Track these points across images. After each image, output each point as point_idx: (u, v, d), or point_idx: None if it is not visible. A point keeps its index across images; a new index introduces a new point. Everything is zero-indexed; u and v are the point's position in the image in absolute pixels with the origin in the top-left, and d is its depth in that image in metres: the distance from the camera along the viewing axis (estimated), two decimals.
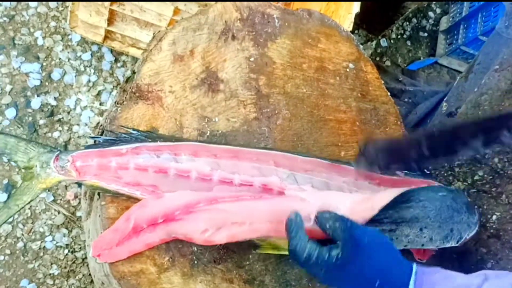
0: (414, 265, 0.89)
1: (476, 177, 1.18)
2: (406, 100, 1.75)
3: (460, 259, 1.19)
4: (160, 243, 0.96)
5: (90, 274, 1.75)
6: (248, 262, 1.03)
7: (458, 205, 1.05)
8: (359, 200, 0.99)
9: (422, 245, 1.04)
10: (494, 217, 1.14)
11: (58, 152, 0.99)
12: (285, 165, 1.04)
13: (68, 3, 1.93)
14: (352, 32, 1.23)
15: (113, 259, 0.95)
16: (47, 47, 1.93)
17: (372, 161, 1.04)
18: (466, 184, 1.18)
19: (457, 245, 1.05)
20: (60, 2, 1.98)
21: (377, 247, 0.90)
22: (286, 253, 0.92)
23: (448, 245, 1.05)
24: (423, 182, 1.10)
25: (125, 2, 1.75)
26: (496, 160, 1.17)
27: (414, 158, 1.04)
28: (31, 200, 1.02)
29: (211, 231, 0.94)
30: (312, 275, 0.95)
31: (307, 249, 0.89)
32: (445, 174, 1.22)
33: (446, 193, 1.05)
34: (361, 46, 1.22)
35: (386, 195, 0.99)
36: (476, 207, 1.10)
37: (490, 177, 1.15)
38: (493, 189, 1.15)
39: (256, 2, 1.14)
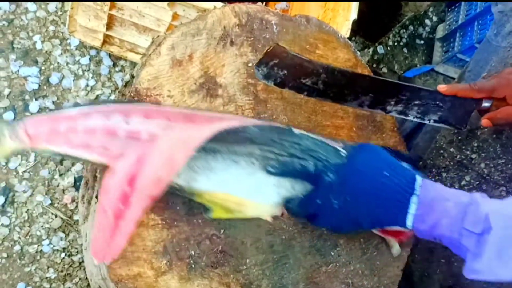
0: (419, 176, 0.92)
1: (463, 182, 1.19)
2: None
3: (450, 265, 1.20)
4: (145, 212, 0.95)
5: (87, 278, 1.75)
6: (245, 267, 1.04)
7: None
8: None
9: None
10: None
11: (14, 122, 1.00)
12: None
13: (67, 7, 1.94)
14: (349, 39, 1.24)
15: (116, 253, 0.94)
16: (46, 51, 1.94)
17: (269, 73, 1.06)
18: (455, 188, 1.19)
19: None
20: (59, 7, 1.98)
21: (381, 149, 0.96)
22: (239, 216, 0.96)
23: None
24: None
25: (124, 7, 1.76)
26: (482, 165, 1.18)
27: (307, 85, 1.07)
28: None
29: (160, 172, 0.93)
30: (323, 193, 0.94)
31: (312, 159, 0.95)
32: (433, 180, 1.23)
33: None
34: (359, 53, 1.23)
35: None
36: None
37: (477, 183, 1.16)
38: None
39: (254, 8, 1.15)
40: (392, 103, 1.08)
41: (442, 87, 1.07)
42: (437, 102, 1.08)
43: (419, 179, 0.91)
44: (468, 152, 1.21)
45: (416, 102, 1.08)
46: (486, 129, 1.17)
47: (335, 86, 1.07)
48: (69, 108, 0.99)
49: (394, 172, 0.91)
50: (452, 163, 1.24)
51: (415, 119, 1.10)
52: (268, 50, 1.04)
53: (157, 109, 1.01)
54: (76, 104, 1.00)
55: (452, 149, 1.22)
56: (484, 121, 1.05)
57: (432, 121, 1.11)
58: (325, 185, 0.93)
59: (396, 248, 1.10)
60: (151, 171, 0.92)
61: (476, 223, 0.84)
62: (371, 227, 0.98)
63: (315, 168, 0.93)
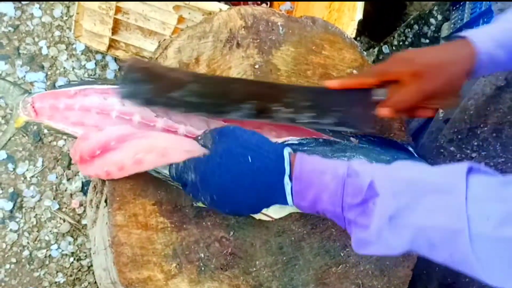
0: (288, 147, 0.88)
1: None
2: None
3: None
4: (98, 177, 0.98)
5: (95, 282, 1.75)
6: (255, 269, 1.04)
7: None
8: None
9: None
10: None
11: (27, 94, 1.05)
12: (234, 121, 1.03)
13: (72, 12, 1.94)
14: (355, 39, 1.24)
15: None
16: (52, 56, 1.95)
17: (134, 91, 0.98)
18: None
19: None
20: (64, 12, 1.99)
21: (243, 130, 0.89)
22: None
23: None
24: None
25: (129, 11, 1.76)
26: (482, 164, 1.18)
27: (178, 99, 0.98)
28: (10, 138, 1.21)
29: (142, 154, 0.92)
30: (193, 194, 0.89)
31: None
32: None
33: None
34: (365, 53, 1.22)
35: None
36: None
37: None
38: None
39: (260, 10, 1.15)
40: (278, 108, 0.99)
41: (329, 82, 1.01)
42: (330, 102, 1.01)
43: (286, 155, 0.85)
44: (468, 151, 1.21)
45: (306, 104, 1.00)
46: (486, 128, 1.17)
47: (210, 96, 0.99)
48: (70, 86, 1.02)
49: (258, 154, 0.85)
50: (452, 162, 1.24)
51: (308, 126, 1.03)
52: (127, 65, 0.98)
53: None
54: (80, 82, 1.02)
55: (452, 148, 1.22)
56: (381, 111, 0.99)
57: (328, 125, 1.03)
58: (189, 184, 0.89)
59: None
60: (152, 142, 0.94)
61: (356, 194, 0.80)
62: (254, 212, 0.95)
63: (175, 170, 0.90)
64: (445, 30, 2.43)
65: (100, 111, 1.00)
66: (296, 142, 1.01)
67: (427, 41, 2.44)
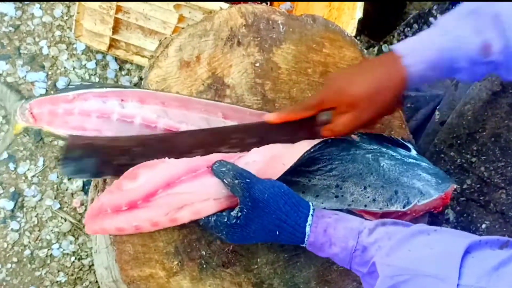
0: (311, 209, 0.93)
1: (464, 186, 1.19)
2: (408, 105, 1.76)
3: None
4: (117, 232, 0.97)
5: (97, 281, 1.75)
6: (256, 266, 1.04)
7: (411, 171, 1.07)
8: (271, 154, 0.99)
9: (365, 206, 1.05)
10: (483, 226, 1.15)
11: (24, 100, 1.04)
12: (234, 117, 1.05)
13: (72, 12, 1.95)
14: (355, 37, 1.24)
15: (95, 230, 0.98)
16: (52, 56, 1.95)
17: (80, 168, 0.98)
18: (455, 192, 1.19)
19: (404, 210, 1.05)
20: (64, 12, 1.99)
21: (275, 200, 0.92)
22: None
23: (393, 208, 1.06)
24: None
25: (130, 11, 1.76)
26: (482, 168, 1.18)
27: (124, 164, 0.99)
28: (10, 144, 1.20)
29: (173, 212, 0.94)
30: (216, 235, 0.97)
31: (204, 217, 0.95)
32: None
33: (400, 156, 1.07)
34: (365, 51, 1.23)
35: (298, 150, 0.98)
36: (451, 177, 1.09)
37: (478, 186, 1.17)
38: (481, 198, 1.16)
39: (261, 9, 1.15)
40: (227, 151, 1.02)
41: (269, 117, 1.03)
42: (275, 134, 1.03)
43: (307, 230, 0.92)
44: (468, 156, 1.22)
45: (253, 141, 1.03)
46: (484, 133, 1.17)
47: (157, 154, 0.99)
48: (68, 90, 1.01)
49: (285, 230, 0.93)
50: (453, 167, 1.24)
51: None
52: (66, 144, 0.97)
53: (152, 94, 1.02)
54: (78, 86, 1.02)
55: (452, 153, 1.22)
56: (324, 133, 1.02)
57: None
58: (213, 233, 0.98)
59: None
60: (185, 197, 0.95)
61: (363, 265, 0.89)
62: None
63: (204, 225, 0.97)
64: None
65: (100, 114, 1.00)
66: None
67: None
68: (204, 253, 1.01)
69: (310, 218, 0.92)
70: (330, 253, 0.92)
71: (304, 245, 0.94)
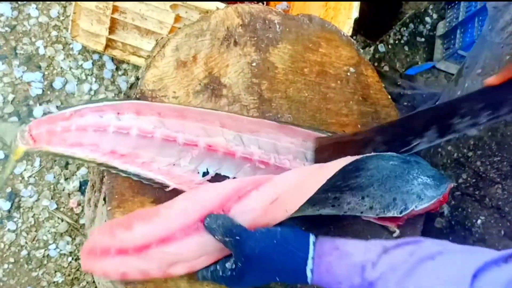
0: (311, 250, 0.91)
1: (460, 180, 1.19)
2: (405, 104, 1.77)
3: None
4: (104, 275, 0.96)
5: (94, 281, 1.75)
6: None
7: (409, 175, 1.06)
8: (270, 199, 0.96)
9: (361, 212, 1.05)
10: (479, 221, 1.15)
11: (24, 124, 1.04)
12: (231, 125, 1.04)
13: (69, 12, 1.95)
14: (351, 37, 1.25)
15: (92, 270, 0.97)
16: (49, 56, 1.95)
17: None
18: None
19: (401, 215, 1.06)
20: (61, 12, 1.99)
21: (268, 254, 0.91)
22: None
23: (389, 214, 1.06)
24: None
25: (126, 11, 1.77)
26: (478, 163, 1.19)
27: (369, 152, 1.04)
28: (11, 172, 1.23)
29: (166, 267, 0.93)
30: None
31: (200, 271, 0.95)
32: None
33: (398, 162, 1.05)
34: (362, 51, 1.23)
35: (301, 196, 0.95)
36: (449, 182, 1.09)
37: (474, 180, 1.17)
38: (477, 192, 1.16)
39: (257, 8, 1.15)
40: (457, 122, 1.02)
41: (490, 80, 1.00)
42: (499, 95, 1.02)
43: (309, 274, 0.90)
44: (465, 150, 1.22)
45: (479, 106, 1.01)
46: (481, 127, 1.17)
47: (394, 140, 1.06)
48: (65, 108, 1.02)
49: (285, 276, 0.91)
50: (449, 161, 1.24)
51: (490, 122, 1.04)
52: (316, 149, 1.06)
53: (148, 105, 1.02)
54: (78, 103, 1.02)
55: (449, 148, 1.23)
56: None
57: (506, 114, 1.03)
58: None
59: (396, 232, 1.10)
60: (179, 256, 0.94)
61: None
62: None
63: (202, 277, 0.97)
64: (440, 29, 2.44)
65: (97, 128, 1.00)
66: None
67: (423, 39, 2.45)
68: None
69: (310, 262, 0.90)
70: None
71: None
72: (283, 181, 0.97)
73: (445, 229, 1.19)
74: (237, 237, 0.90)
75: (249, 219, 0.93)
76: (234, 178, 1.03)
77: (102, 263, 0.93)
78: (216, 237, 0.92)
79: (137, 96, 1.05)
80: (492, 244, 1.12)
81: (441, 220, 1.20)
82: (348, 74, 1.20)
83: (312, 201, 1.00)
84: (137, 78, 1.11)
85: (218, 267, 0.93)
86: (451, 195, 1.19)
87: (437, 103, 1.40)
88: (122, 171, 0.99)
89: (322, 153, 1.06)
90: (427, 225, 1.21)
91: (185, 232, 0.93)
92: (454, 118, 1.01)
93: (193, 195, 0.96)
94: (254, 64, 1.13)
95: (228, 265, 0.92)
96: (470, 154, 1.21)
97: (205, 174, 1.02)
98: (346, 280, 0.88)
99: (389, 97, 1.23)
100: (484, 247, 1.07)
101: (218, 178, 1.03)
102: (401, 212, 1.05)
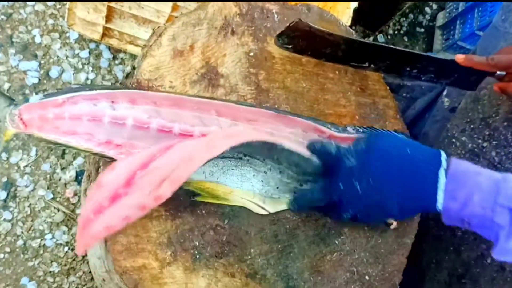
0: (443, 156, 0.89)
1: None
2: (404, 95, 1.75)
3: (459, 254, 1.20)
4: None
5: (90, 271, 1.75)
6: (249, 256, 1.04)
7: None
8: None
9: None
10: None
11: (13, 106, 1.01)
12: (227, 114, 1.03)
13: (65, 0, 1.93)
14: (350, 27, 1.23)
15: (85, 246, 0.93)
16: (45, 45, 1.93)
17: (290, 43, 1.10)
18: None
19: None
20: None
21: (397, 137, 0.96)
22: (225, 203, 1.00)
23: None
24: None
25: None
26: (493, 153, 1.18)
27: (326, 53, 1.11)
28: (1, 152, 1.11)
29: (155, 189, 0.90)
30: (347, 173, 0.94)
31: (333, 144, 0.96)
32: None
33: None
34: None
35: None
36: None
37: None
38: None
39: None
40: (408, 69, 1.12)
41: (459, 57, 1.07)
42: (451, 69, 1.11)
43: (443, 153, 0.88)
44: (479, 141, 1.21)
45: (431, 69, 1.11)
46: (497, 117, 1.16)
47: (354, 54, 1.12)
48: (58, 95, 1.00)
49: (416, 149, 0.89)
50: (463, 152, 1.23)
51: (427, 82, 1.16)
52: (291, 25, 1.05)
53: (143, 94, 1.00)
54: (68, 89, 1.00)
55: (464, 138, 1.21)
56: (495, 87, 1.09)
57: (444, 83, 1.16)
58: (346, 169, 0.92)
59: (394, 224, 1.09)
60: (162, 170, 0.91)
61: (511, 199, 0.80)
62: (399, 212, 0.94)
63: (336, 151, 0.94)
64: (440, 19, 2.43)
65: (92, 118, 0.98)
66: None
67: (422, 30, 2.44)
68: (197, 243, 1.01)
69: (444, 161, 0.88)
70: (473, 186, 0.83)
71: (440, 183, 0.86)
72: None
73: None
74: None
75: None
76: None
77: (101, 221, 0.91)
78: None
79: (133, 85, 1.04)
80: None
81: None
82: None
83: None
84: (133, 68, 1.11)
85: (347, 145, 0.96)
86: None
87: (444, 93, 1.40)
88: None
89: (293, 30, 1.07)
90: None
91: (165, 147, 0.93)
92: (408, 65, 1.12)
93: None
94: (251, 54, 1.12)
95: (359, 141, 0.95)
96: (485, 144, 1.20)
97: None
98: (485, 172, 0.85)
99: (387, 87, 1.22)
100: None
101: None
102: None
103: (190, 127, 1.01)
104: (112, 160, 0.98)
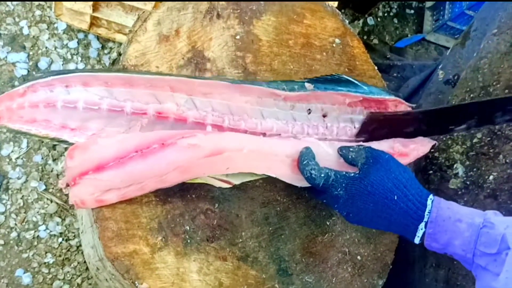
0: (432, 194, 0.92)
1: (474, 140, 1.18)
2: (395, 75, 1.76)
3: None
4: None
5: (85, 262, 1.75)
6: (241, 240, 1.04)
7: None
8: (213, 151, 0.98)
9: None
10: (491, 177, 1.14)
11: None
12: (182, 89, 1.01)
13: None
14: (339, 10, 1.23)
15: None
16: (33, 36, 1.92)
17: (371, 135, 1.11)
18: (465, 147, 1.19)
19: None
20: None
21: (396, 165, 0.94)
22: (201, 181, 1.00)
23: None
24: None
25: None
26: None
27: (410, 132, 1.11)
28: None
29: (100, 193, 0.95)
30: (332, 201, 0.97)
31: (323, 172, 0.95)
32: (444, 138, 1.23)
33: None
34: (347, 21, 1.21)
35: (251, 167, 1.01)
36: None
37: (488, 139, 1.15)
38: (491, 150, 1.15)
39: None
40: (498, 114, 1.05)
41: None
42: None
43: (429, 203, 0.90)
44: (441, 106, 1.21)
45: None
46: (498, 85, 1.16)
47: (438, 123, 1.10)
48: (20, 85, 1.00)
49: (404, 195, 0.91)
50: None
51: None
52: (365, 121, 1.11)
53: (94, 76, 0.99)
54: (32, 78, 1.00)
55: None
56: None
57: None
58: (332, 196, 0.96)
59: None
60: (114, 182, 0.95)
61: (491, 244, 0.84)
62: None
63: (324, 181, 0.96)
64: (429, 1, 2.42)
65: (47, 104, 0.98)
66: None
67: (412, 11, 2.43)
68: (188, 228, 1.01)
69: (431, 195, 0.91)
70: (453, 233, 0.88)
71: (419, 231, 0.90)
72: (233, 139, 0.99)
73: (460, 190, 1.19)
74: (371, 147, 0.98)
75: (194, 151, 0.95)
76: None
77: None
78: (351, 149, 0.99)
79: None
80: (503, 201, 1.11)
81: (455, 181, 1.20)
82: (334, 45, 1.19)
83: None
84: (119, 54, 1.10)
85: (342, 171, 0.96)
86: (465, 155, 1.19)
87: (440, 66, 1.39)
88: (73, 144, 0.98)
89: (369, 125, 1.11)
90: (441, 186, 1.22)
91: (118, 162, 0.95)
92: (497, 113, 1.05)
93: (132, 131, 0.99)
94: (238, 37, 1.11)
95: (353, 169, 0.97)
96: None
97: None
98: (466, 218, 0.87)
99: (375, 68, 1.22)
100: (494, 203, 1.08)
101: None
102: None
103: (144, 105, 0.99)
104: (68, 144, 0.99)
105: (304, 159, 0.97)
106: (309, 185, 0.98)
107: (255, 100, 1.05)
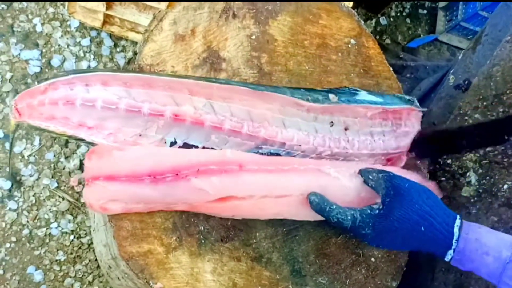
0: (458, 216, 0.93)
1: (488, 148, 1.17)
2: (408, 75, 1.75)
3: None
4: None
5: (96, 259, 1.75)
6: (255, 240, 1.04)
7: None
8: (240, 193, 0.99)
9: None
10: (505, 186, 1.13)
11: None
12: (201, 93, 1.01)
13: None
14: (352, 9, 1.22)
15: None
16: (46, 34, 1.92)
17: (425, 153, 1.13)
18: (478, 155, 1.18)
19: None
20: None
21: (418, 192, 0.94)
22: None
23: None
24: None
25: None
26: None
27: (462, 145, 1.14)
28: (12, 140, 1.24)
29: (106, 201, 0.96)
30: (361, 238, 0.97)
31: (349, 214, 0.94)
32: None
33: None
34: (362, 22, 1.21)
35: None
36: None
37: (502, 148, 1.15)
38: (505, 160, 1.14)
39: None
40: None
41: None
42: None
43: (456, 231, 0.91)
44: (493, 118, 1.20)
45: None
46: (511, 94, 1.15)
47: (492, 134, 1.12)
48: (41, 82, 1.01)
49: (430, 225, 0.91)
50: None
51: None
52: (416, 138, 1.14)
53: (113, 76, 0.99)
54: (53, 76, 1.01)
55: (477, 115, 1.20)
56: None
57: None
58: (360, 234, 0.96)
59: None
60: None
61: None
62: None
63: (351, 224, 0.96)
64: (443, 1, 2.41)
65: (66, 102, 0.98)
66: None
67: (425, 11, 2.42)
68: (202, 228, 1.01)
69: (458, 220, 0.92)
70: (480, 263, 0.90)
71: (448, 256, 0.92)
72: (246, 184, 0.99)
73: (472, 198, 1.18)
74: (390, 173, 0.97)
75: (202, 196, 0.96)
76: (203, 147, 1.02)
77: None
78: (370, 176, 0.98)
79: (135, 71, 1.03)
80: None
81: (468, 189, 1.19)
82: (349, 46, 1.18)
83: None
84: (135, 53, 1.10)
85: (366, 208, 0.96)
86: (478, 164, 1.19)
87: (451, 71, 1.38)
88: (90, 143, 0.99)
89: (420, 142, 1.14)
90: (454, 193, 1.22)
91: (129, 179, 0.95)
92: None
93: (150, 149, 0.99)
94: (253, 37, 1.11)
95: (376, 205, 0.95)
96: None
97: (173, 144, 1.01)
98: (493, 251, 0.89)
99: (391, 69, 1.22)
100: (509, 211, 1.08)
101: (187, 147, 1.03)
102: None
103: (161, 107, 0.99)
104: (85, 142, 1.00)
105: (324, 205, 0.96)
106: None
107: (277, 108, 1.05)
